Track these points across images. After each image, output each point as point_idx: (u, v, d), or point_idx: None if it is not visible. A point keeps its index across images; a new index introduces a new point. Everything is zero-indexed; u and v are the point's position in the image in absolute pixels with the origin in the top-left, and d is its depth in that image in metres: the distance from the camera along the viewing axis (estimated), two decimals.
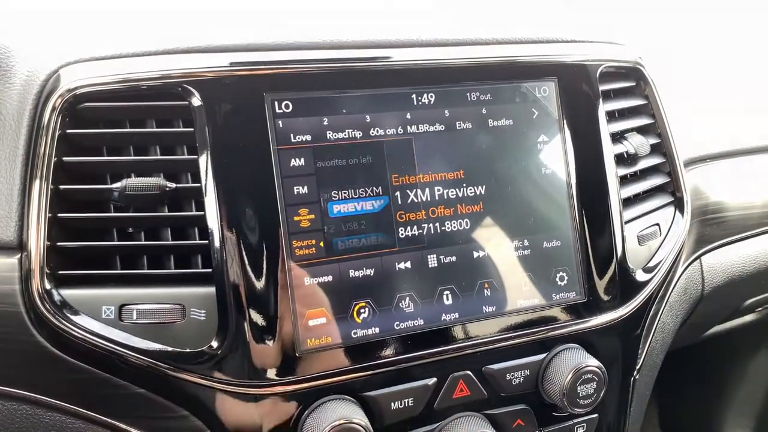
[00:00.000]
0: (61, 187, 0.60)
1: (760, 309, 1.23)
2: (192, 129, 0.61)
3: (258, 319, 0.60)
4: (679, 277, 0.91)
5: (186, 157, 0.62)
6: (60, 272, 0.60)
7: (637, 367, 0.81)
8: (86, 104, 0.61)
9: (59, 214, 0.60)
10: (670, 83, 0.88)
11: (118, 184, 0.60)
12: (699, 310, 1.01)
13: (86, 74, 0.61)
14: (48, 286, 0.59)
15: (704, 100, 1.00)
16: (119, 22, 0.66)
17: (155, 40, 0.62)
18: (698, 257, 0.96)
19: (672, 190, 0.86)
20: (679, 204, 0.85)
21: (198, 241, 0.62)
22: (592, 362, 0.71)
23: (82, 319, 0.59)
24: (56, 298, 0.59)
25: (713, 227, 0.96)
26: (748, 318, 1.32)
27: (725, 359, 1.54)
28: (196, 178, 0.61)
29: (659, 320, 0.85)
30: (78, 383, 0.61)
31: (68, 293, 0.60)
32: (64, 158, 0.60)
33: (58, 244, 0.59)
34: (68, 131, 0.60)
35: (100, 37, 0.63)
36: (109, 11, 0.70)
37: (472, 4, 0.86)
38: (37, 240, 0.59)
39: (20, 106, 0.61)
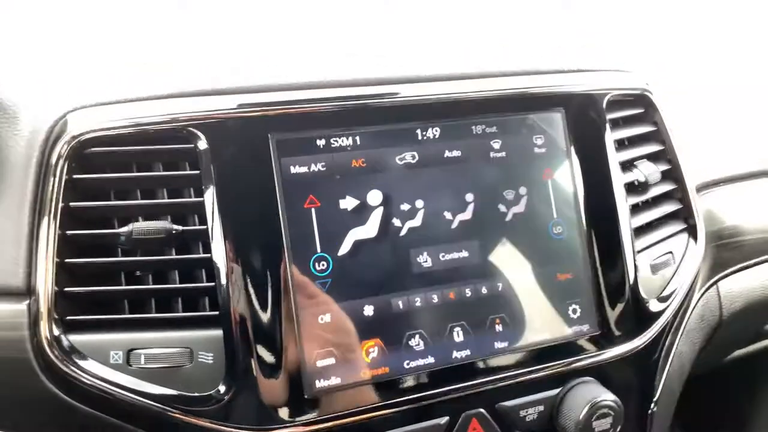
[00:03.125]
0: (68, 232, 0.60)
1: None
2: (198, 171, 0.61)
3: (266, 361, 0.60)
4: (696, 304, 0.90)
5: (192, 200, 0.62)
6: (68, 317, 0.59)
7: (655, 399, 0.79)
8: (92, 149, 0.61)
9: (67, 260, 0.60)
10: (679, 106, 0.88)
11: (124, 229, 0.60)
12: (718, 336, 0.99)
13: (92, 120, 0.61)
14: (56, 332, 0.59)
15: (715, 122, 0.99)
16: (123, 67, 0.66)
17: (159, 85, 0.62)
18: (715, 283, 0.94)
19: (685, 216, 0.85)
20: (692, 231, 0.84)
21: (205, 284, 0.62)
22: (608, 396, 0.69)
23: (90, 365, 0.59)
24: (65, 343, 0.59)
25: (730, 252, 0.95)
26: None
27: (751, 384, 1.51)
28: (204, 220, 0.61)
29: (676, 349, 0.84)
30: (87, 429, 0.60)
31: (76, 338, 0.60)
32: (71, 203, 0.60)
33: (66, 289, 0.59)
34: (75, 176, 0.61)
35: (104, 83, 0.64)
36: (113, 57, 0.70)
37: (473, 32, 0.86)
38: (45, 286, 0.59)
39: (28, 153, 0.61)
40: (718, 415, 1.57)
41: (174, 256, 0.62)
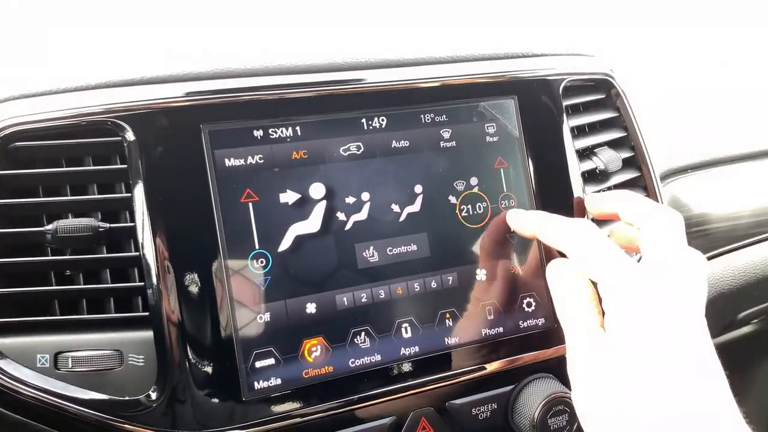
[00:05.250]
0: None
1: (755, 321, 1.19)
2: (126, 166, 0.58)
3: (199, 363, 0.57)
4: None
5: (119, 195, 0.59)
6: None
7: None
8: (18, 144, 0.59)
9: None
10: (645, 94, 0.85)
11: (49, 227, 0.58)
12: None
13: (16, 112, 0.58)
14: None
15: (681, 109, 0.97)
16: (49, 59, 0.64)
17: (85, 75, 0.60)
18: None
19: None
20: None
21: (135, 284, 0.59)
22: (565, 392, 0.67)
23: (15, 369, 0.56)
24: None
25: (697, 240, 0.93)
26: (746, 330, 1.28)
27: (730, 373, 1.49)
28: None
29: None
30: None
31: (2, 342, 0.57)
32: None
33: None
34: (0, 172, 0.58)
35: (29, 75, 0.61)
36: (38, 48, 0.67)
37: (420, 17, 0.83)
38: None
39: None
40: None
41: (102, 255, 0.59)
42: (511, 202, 0.69)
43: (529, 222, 0.64)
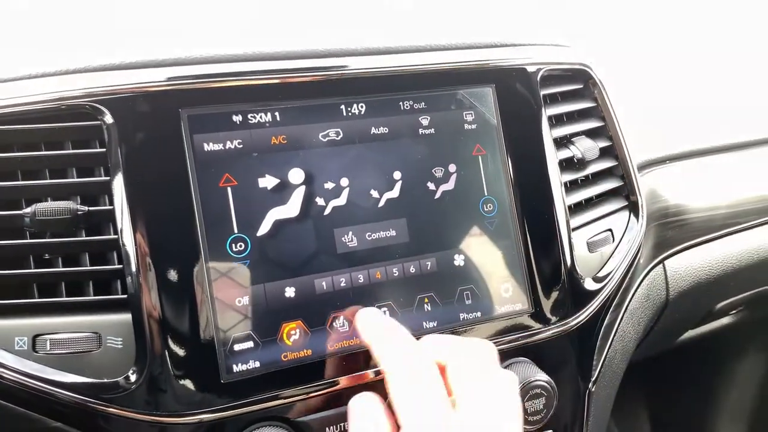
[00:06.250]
0: None
1: (733, 312, 1.21)
2: (105, 150, 0.59)
3: (177, 346, 0.58)
4: (640, 282, 0.89)
5: (98, 179, 0.60)
6: None
7: (593, 379, 0.78)
8: None
9: None
10: (623, 84, 0.86)
11: (27, 210, 0.58)
12: (667, 316, 0.99)
13: None
14: None
15: (660, 101, 0.98)
16: (31, 43, 0.64)
17: (64, 61, 0.60)
18: (660, 262, 0.93)
19: (626, 193, 0.83)
20: (633, 208, 0.83)
21: (113, 266, 0.59)
22: (540, 376, 0.68)
23: None
24: None
25: (675, 230, 0.94)
26: (727, 321, 1.29)
27: (713, 364, 1.52)
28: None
29: (618, 328, 0.83)
30: None
31: None
32: None
33: None
34: None
35: (7, 59, 0.61)
36: (17, 33, 0.67)
37: (400, 4, 0.84)
38: None
39: None
40: (681, 397, 1.58)
41: (80, 238, 0.59)
42: (488, 191, 0.70)
43: (366, 331, 0.58)
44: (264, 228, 0.62)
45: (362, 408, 0.53)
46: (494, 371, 0.54)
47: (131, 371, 0.57)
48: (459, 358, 0.54)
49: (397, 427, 0.50)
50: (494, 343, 0.67)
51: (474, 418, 0.49)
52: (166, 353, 0.57)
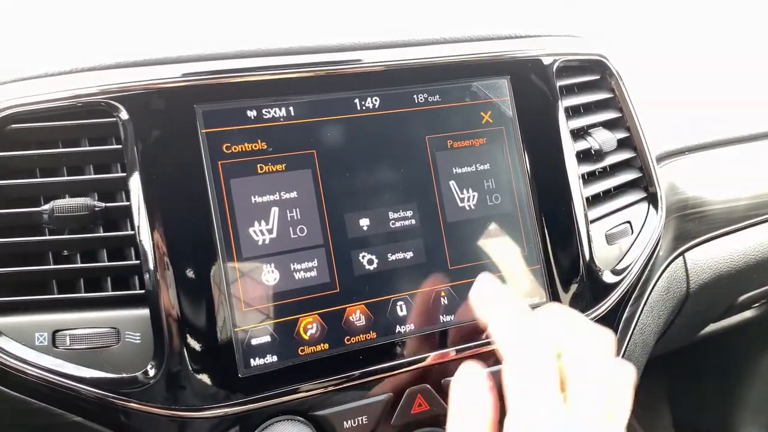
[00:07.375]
0: None
1: (757, 305, 1.19)
2: (121, 146, 0.59)
3: (194, 340, 0.58)
4: (660, 275, 0.88)
5: (114, 175, 0.60)
6: None
7: None
8: (14, 126, 0.59)
9: None
10: (642, 75, 0.85)
11: (45, 207, 0.58)
12: (688, 309, 0.98)
13: (12, 95, 0.59)
14: None
15: (679, 92, 0.97)
16: (44, 41, 0.64)
17: (80, 58, 0.60)
18: (681, 254, 0.92)
19: (645, 185, 0.82)
20: (652, 199, 0.82)
21: (131, 262, 0.60)
22: None
23: (14, 347, 0.57)
24: None
25: (695, 222, 0.93)
26: (750, 314, 1.28)
27: (736, 357, 1.50)
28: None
29: (638, 321, 0.82)
30: (13, 413, 0.59)
31: (1, 321, 0.58)
32: None
33: None
34: None
35: (25, 58, 0.62)
36: (33, 31, 0.68)
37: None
38: None
39: None
40: (705, 390, 1.56)
41: (98, 234, 0.60)
42: (505, 181, 0.69)
43: (480, 305, 0.56)
44: (280, 221, 0.62)
45: (468, 384, 0.51)
46: (612, 369, 0.50)
47: (150, 366, 0.58)
48: (577, 347, 0.50)
49: (501, 407, 0.49)
50: None
51: (583, 423, 0.46)
52: (184, 348, 0.58)
